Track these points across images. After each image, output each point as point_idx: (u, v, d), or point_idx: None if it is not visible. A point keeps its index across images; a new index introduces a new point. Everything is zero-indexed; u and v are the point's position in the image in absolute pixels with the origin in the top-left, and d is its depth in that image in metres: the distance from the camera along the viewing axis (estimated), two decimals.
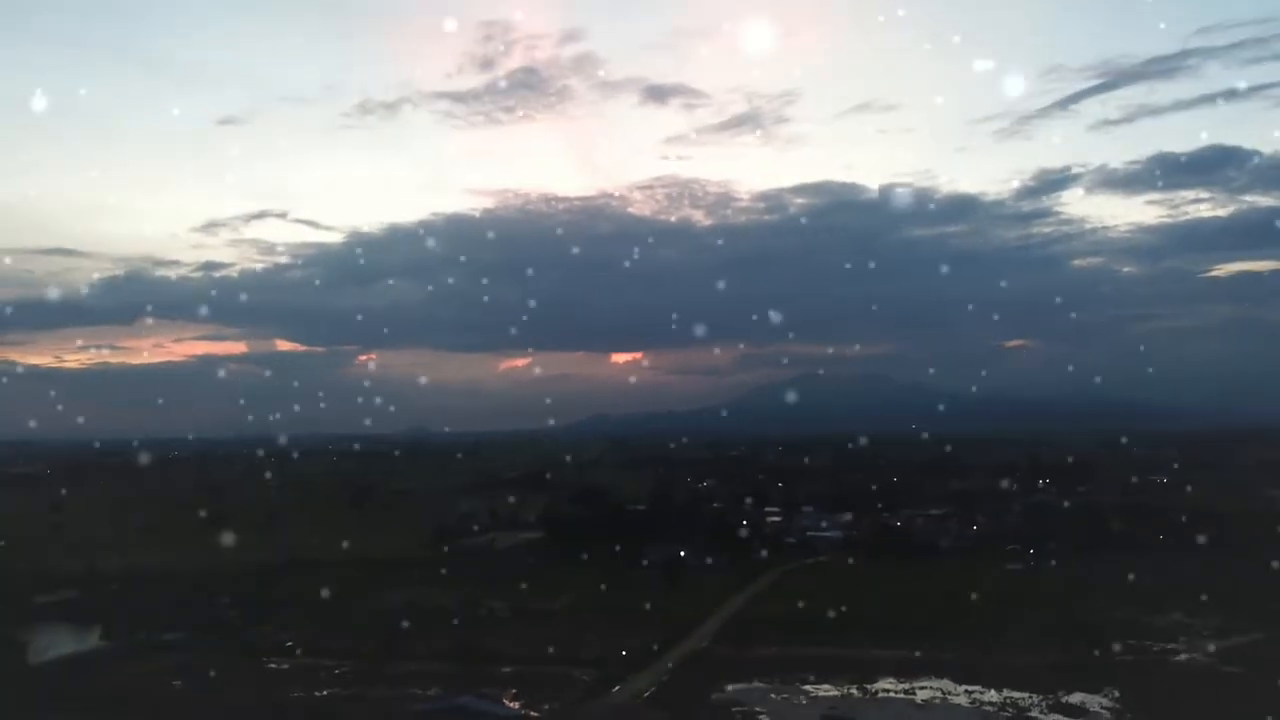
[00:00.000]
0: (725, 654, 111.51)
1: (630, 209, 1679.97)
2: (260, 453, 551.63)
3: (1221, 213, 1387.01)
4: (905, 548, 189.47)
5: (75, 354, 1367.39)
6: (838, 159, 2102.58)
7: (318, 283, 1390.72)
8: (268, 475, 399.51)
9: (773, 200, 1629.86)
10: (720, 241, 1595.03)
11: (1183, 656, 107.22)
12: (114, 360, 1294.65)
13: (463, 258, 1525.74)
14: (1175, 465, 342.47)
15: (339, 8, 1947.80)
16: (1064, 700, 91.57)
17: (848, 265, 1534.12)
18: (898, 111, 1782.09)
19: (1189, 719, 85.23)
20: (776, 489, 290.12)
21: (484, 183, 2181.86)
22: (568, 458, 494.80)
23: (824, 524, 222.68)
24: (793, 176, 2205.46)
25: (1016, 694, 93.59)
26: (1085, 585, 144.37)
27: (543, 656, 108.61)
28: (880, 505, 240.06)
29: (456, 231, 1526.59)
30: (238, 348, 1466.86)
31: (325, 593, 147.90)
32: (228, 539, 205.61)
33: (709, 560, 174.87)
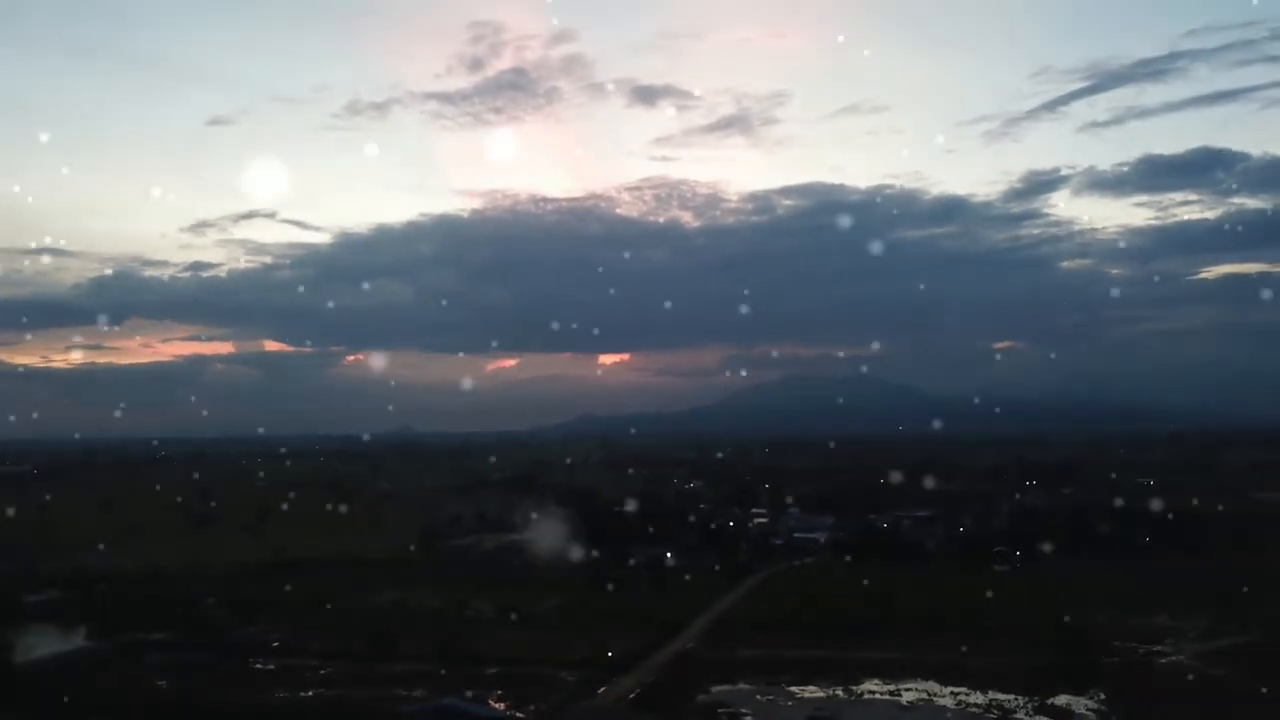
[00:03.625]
0: (711, 655, 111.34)
1: (619, 210, 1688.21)
2: (247, 452, 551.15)
3: (1210, 215, 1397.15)
4: (892, 549, 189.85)
5: (63, 354, 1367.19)
6: (827, 160, 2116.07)
7: (306, 283, 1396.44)
8: (255, 475, 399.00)
9: (761, 201, 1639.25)
10: (708, 242, 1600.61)
11: (1169, 659, 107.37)
12: (102, 360, 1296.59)
13: (451, 258, 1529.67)
14: (1162, 466, 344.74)
15: (328, 9, 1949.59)
16: (1049, 702, 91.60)
17: (836, 266, 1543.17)
18: (887, 113, 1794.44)
19: None
20: (763, 490, 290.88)
21: (473, 183, 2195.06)
22: (555, 459, 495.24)
23: (810, 525, 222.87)
24: (781, 178, 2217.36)
25: (1002, 695, 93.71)
26: (1071, 587, 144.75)
27: (528, 657, 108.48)
28: (867, 507, 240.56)
29: (445, 232, 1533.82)
30: (225, 348, 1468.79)
31: (311, 593, 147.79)
32: (214, 539, 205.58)
33: (695, 561, 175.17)
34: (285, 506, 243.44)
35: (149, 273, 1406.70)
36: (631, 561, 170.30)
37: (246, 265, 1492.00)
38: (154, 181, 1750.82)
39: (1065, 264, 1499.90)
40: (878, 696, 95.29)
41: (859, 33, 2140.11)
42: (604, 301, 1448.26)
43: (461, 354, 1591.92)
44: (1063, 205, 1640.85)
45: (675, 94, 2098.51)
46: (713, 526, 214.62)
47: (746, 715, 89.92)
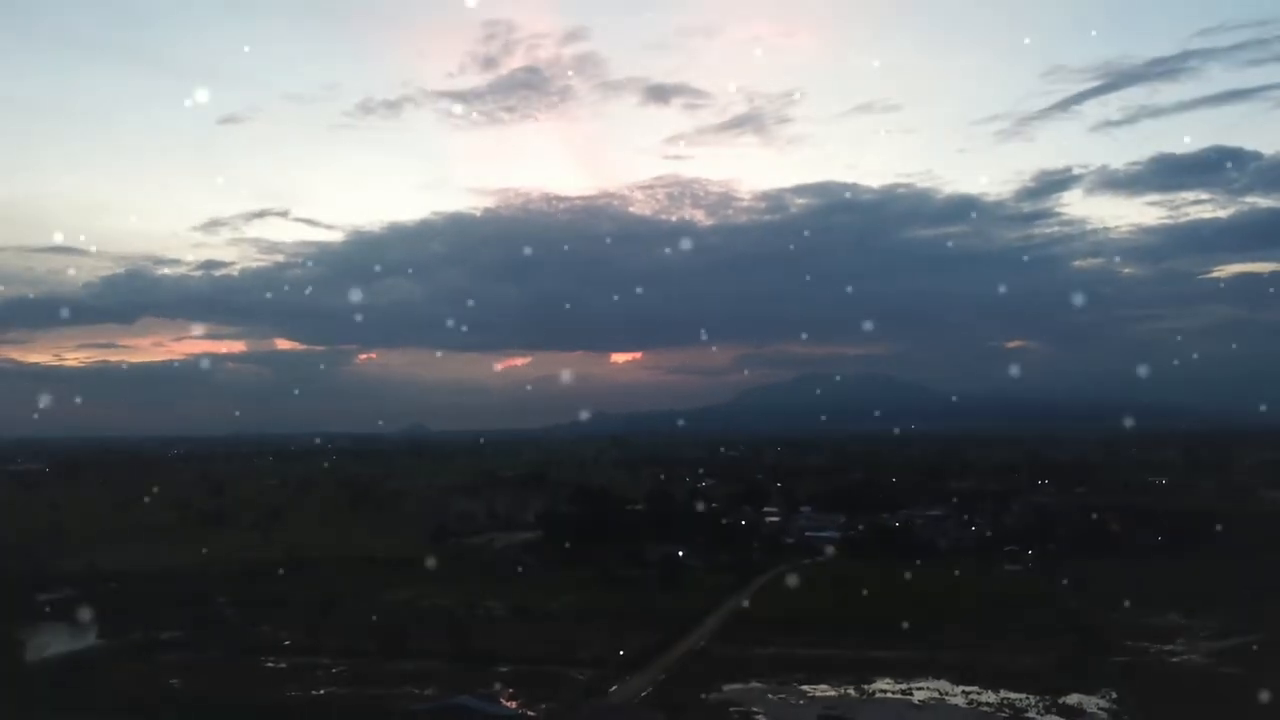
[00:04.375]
0: (723, 654, 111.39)
1: (631, 208, 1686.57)
2: (259, 451, 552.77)
3: (1222, 214, 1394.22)
4: (904, 548, 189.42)
5: (75, 352, 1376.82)
6: (839, 159, 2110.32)
7: (318, 282, 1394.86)
8: (267, 473, 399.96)
9: (774, 200, 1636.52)
10: (720, 241, 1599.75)
11: (1181, 657, 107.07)
12: (114, 358, 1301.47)
13: (463, 257, 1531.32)
14: (1174, 466, 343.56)
15: (341, 7, 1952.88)
16: (1061, 701, 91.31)
17: (848, 265, 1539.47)
18: (899, 112, 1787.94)
19: None
20: (775, 488, 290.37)
21: (485, 182, 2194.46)
22: (566, 457, 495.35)
23: (822, 524, 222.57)
24: (794, 177, 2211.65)
25: (1014, 695, 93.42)
26: (1083, 586, 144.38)
27: (540, 656, 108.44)
28: (879, 505, 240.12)
29: (457, 230, 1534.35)
30: (237, 346, 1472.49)
31: (323, 591, 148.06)
32: (226, 537, 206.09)
33: (707, 560, 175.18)
34: (297, 505, 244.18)
35: (161, 271, 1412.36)
36: (643, 560, 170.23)
37: (259, 264, 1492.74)
38: (166, 180, 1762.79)
39: (1077, 263, 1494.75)
40: (889, 695, 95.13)
41: (872, 31, 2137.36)
42: (616, 300, 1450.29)
43: (473, 352, 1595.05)
44: (1075, 204, 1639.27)
45: (688, 92, 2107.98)
46: (725, 525, 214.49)
47: (758, 713, 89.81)
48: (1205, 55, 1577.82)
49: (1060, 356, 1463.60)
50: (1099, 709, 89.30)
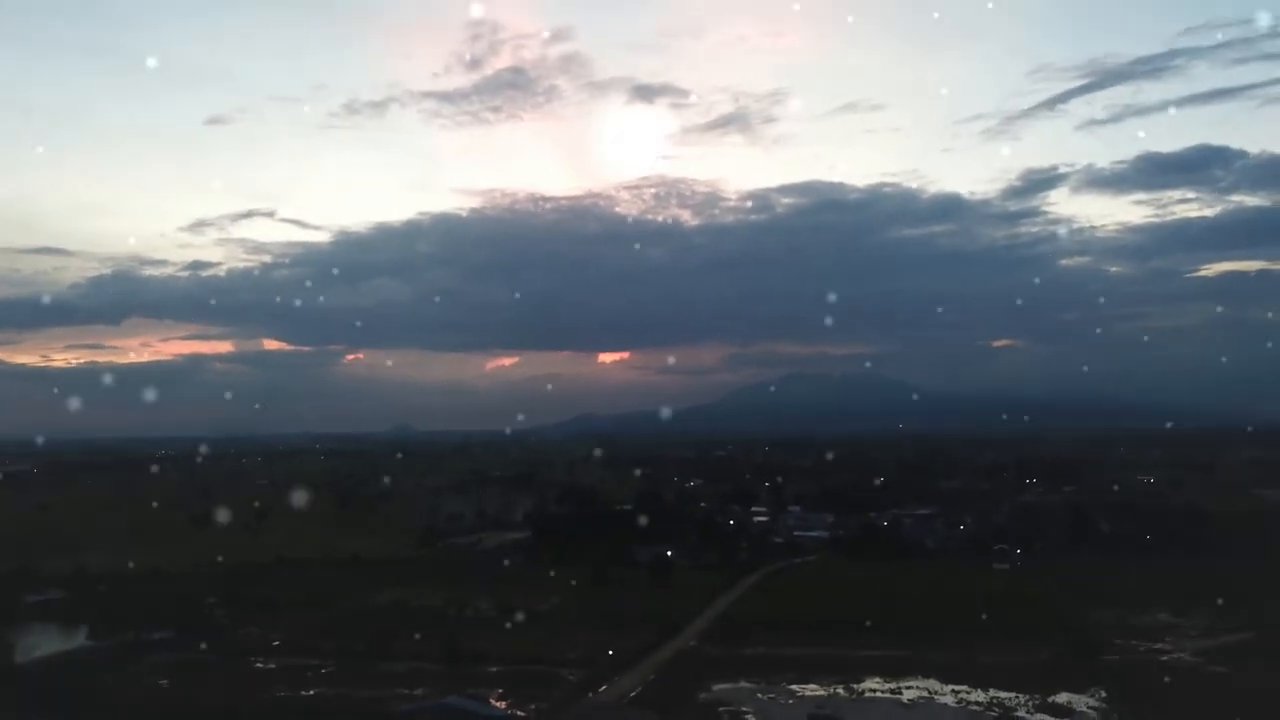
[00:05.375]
0: (712, 653, 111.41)
1: (617, 208, 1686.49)
2: (247, 452, 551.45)
3: (1208, 212, 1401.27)
4: (892, 547, 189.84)
5: (63, 353, 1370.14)
6: (825, 159, 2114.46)
7: (305, 282, 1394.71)
8: (255, 474, 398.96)
9: (760, 200, 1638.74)
10: (707, 241, 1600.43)
11: (1170, 656, 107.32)
12: (101, 359, 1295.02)
13: (450, 257, 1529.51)
14: (1162, 464, 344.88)
15: (327, 8, 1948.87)
16: (1050, 700, 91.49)
17: (835, 265, 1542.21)
18: (885, 111, 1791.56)
19: (1176, 719, 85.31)
20: (763, 488, 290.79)
21: (471, 182, 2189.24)
22: (554, 457, 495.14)
23: (811, 524, 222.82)
24: (780, 176, 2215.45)
25: (1003, 693, 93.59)
26: (1072, 585, 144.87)
27: (529, 656, 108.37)
28: (867, 505, 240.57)
29: (444, 231, 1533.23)
30: (225, 347, 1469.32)
31: (312, 592, 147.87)
32: (215, 538, 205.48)
33: (696, 560, 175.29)
34: (285, 505, 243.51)
35: (148, 272, 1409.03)
36: (632, 560, 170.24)
37: (245, 264, 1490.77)
38: (153, 180, 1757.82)
39: (1064, 262, 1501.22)
40: (878, 694, 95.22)
41: (857, 31, 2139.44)
42: (603, 300, 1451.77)
43: (461, 352, 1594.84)
44: (1061, 203, 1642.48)
45: (674, 92, 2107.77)
46: (713, 525, 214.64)
47: (747, 713, 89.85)
48: (1191, 54, 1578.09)
49: (1047, 355, 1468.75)
50: (1088, 708, 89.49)
